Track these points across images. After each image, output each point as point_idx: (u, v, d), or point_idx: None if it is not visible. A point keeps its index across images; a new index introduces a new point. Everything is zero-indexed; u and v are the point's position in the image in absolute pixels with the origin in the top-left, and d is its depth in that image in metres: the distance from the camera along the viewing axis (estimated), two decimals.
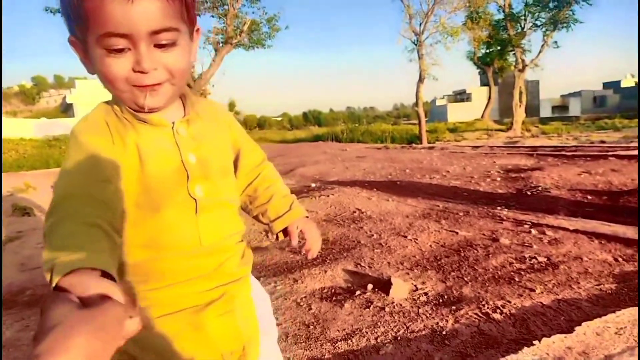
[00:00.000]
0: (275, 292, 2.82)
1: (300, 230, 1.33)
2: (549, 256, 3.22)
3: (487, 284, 2.79)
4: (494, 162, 9.96)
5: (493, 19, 27.06)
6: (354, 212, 4.92)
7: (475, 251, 3.46)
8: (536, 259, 3.18)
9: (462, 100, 53.74)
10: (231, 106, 71.13)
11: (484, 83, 39.33)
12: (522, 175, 7.33)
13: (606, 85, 60.34)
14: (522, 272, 2.95)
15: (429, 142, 21.11)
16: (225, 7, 22.44)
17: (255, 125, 73.00)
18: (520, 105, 26.05)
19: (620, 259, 3.10)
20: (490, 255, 3.33)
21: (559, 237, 3.63)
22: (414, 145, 18.59)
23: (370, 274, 3.05)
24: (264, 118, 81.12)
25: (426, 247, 3.64)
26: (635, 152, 10.40)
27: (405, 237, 3.89)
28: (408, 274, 3.04)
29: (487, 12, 27.09)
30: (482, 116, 34.46)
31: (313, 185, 7.41)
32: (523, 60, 25.92)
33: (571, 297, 2.54)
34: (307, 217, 1.37)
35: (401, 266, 3.20)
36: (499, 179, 7.25)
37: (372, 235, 4.01)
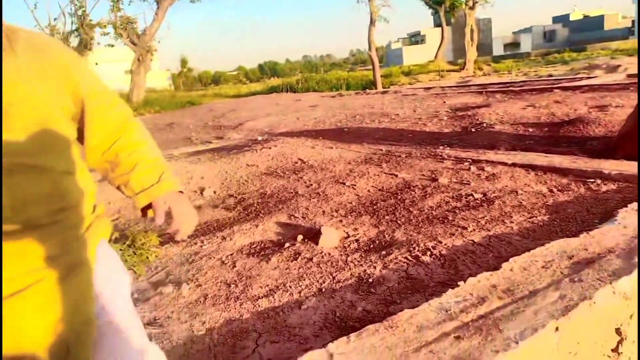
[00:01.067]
0: (201, 251, 2.62)
1: (169, 207, 1.11)
2: (485, 192, 3.17)
3: (420, 226, 2.69)
4: (444, 102, 9.91)
5: None
6: (296, 162, 4.71)
7: (413, 192, 3.36)
8: (472, 196, 3.12)
9: (416, 43, 53.24)
10: (183, 63, 67.66)
11: (438, 24, 38.89)
12: (468, 113, 7.30)
13: (555, 20, 61.18)
14: (457, 211, 2.87)
15: (383, 87, 20.87)
16: None
17: (210, 81, 70.08)
18: (472, 45, 26.05)
19: (554, 190, 3.08)
20: (427, 196, 3.24)
21: (497, 172, 3.58)
22: (367, 90, 18.33)
23: (303, 224, 2.89)
24: (219, 73, 77.92)
25: (363, 192, 3.51)
26: (579, 83, 10.62)
27: (344, 184, 3.74)
28: (341, 221, 2.90)
29: None
30: (435, 57, 34.34)
31: (260, 138, 7.10)
32: None
33: (502, 232, 2.48)
34: (181, 192, 1.15)
35: (335, 214, 3.06)
36: (445, 118, 7.19)
37: (311, 184, 3.84)
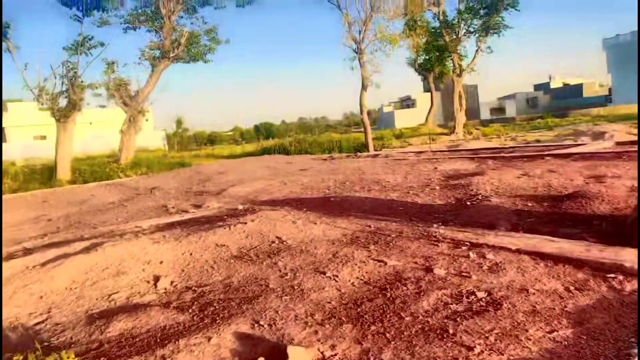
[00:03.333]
0: None
1: None
2: (490, 290, 2.65)
3: (414, 343, 2.14)
4: (436, 167, 9.61)
5: (430, 26, 27.59)
6: (273, 242, 4.20)
7: (404, 288, 2.83)
8: (475, 295, 2.60)
9: (407, 106, 54.75)
10: (179, 123, 68.75)
11: (427, 89, 40.15)
12: (462, 182, 6.93)
13: (537, 87, 63.75)
14: (458, 318, 2.34)
15: (375, 149, 20.86)
16: (162, 20, 21.26)
17: (206, 141, 70.91)
18: (461, 109, 26.58)
19: (572, 288, 2.57)
20: (422, 294, 2.71)
21: (501, 261, 3.09)
22: (359, 153, 18.22)
23: (267, 337, 2.33)
24: (215, 134, 79.06)
25: (347, 286, 2.97)
26: (570, 150, 10.46)
27: (324, 273, 3.21)
28: (317, 332, 2.34)
29: (423, 20, 27.60)
30: (426, 121, 35.01)
31: (240, 207, 6.62)
32: (460, 66, 26.52)
33: (519, 357, 1.94)
34: None
35: (311, 320, 2.51)
36: (438, 187, 6.79)
37: (286, 274, 3.30)
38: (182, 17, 22.11)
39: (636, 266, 2.62)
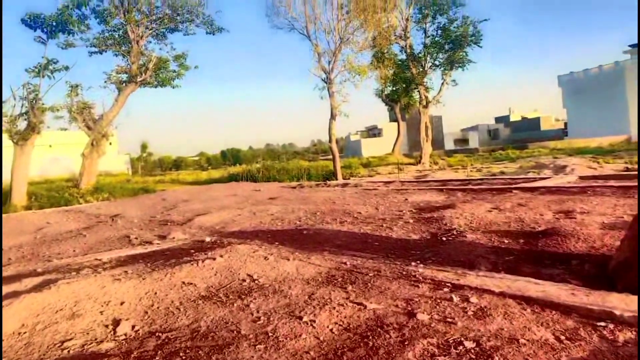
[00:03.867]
0: None
1: None
2: (478, 339, 2.51)
3: None
4: (406, 199, 9.62)
5: (397, 58, 28.47)
6: (244, 280, 3.94)
7: (387, 336, 2.65)
8: (463, 346, 2.45)
9: (374, 136, 55.79)
10: (143, 147, 67.19)
11: (393, 119, 41.11)
12: (434, 216, 6.91)
13: (498, 120, 66.65)
14: None
15: (343, 178, 20.90)
16: (129, 44, 20.86)
17: (171, 165, 69.34)
18: (427, 140, 27.24)
19: (562, 338, 2.46)
20: (407, 343, 2.54)
21: (486, 306, 2.97)
22: (328, 182, 18.16)
23: None
24: (180, 158, 77.53)
25: (325, 333, 2.76)
26: (536, 184, 10.76)
27: (300, 318, 2.99)
28: None
29: (391, 52, 28.47)
30: (392, 150, 35.65)
31: (208, 239, 6.31)
32: (426, 97, 27.38)
33: None
34: None
35: None
36: (411, 220, 6.73)
37: (259, 318, 3.06)
38: (150, 42, 21.86)
39: (626, 314, 2.55)
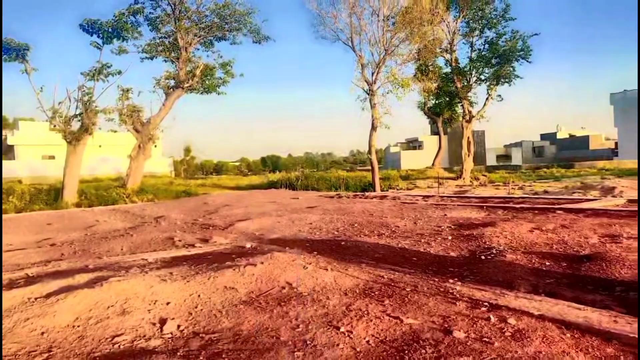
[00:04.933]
0: None
1: None
2: None
3: None
4: (445, 214, 9.52)
5: (442, 72, 28.17)
6: (283, 287, 4.08)
7: (423, 351, 2.70)
8: None
9: (414, 148, 55.16)
10: (187, 151, 69.53)
11: (435, 132, 40.57)
12: (474, 233, 6.82)
13: (543, 137, 64.29)
14: None
15: (382, 190, 20.83)
16: (179, 51, 21.86)
17: (212, 169, 71.34)
18: (468, 155, 26.70)
19: None
20: (442, 359, 2.58)
21: (524, 328, 2.95)
22: (366, 194, 18.16)
23: None
24: (221, 163, 79.66)
25: (362, 344, 2.84)
26: (581, 206, 10.35)
27: (338, 328, 3.08)
28: None
29: (435, 65, 28.22)
30: (432, 164, 35.16)
31: (248, 245, 6.52)
32: (470, 112, 26.88)
33: None
34: None
35: None
36: (450, 237, 6.68)
37: (298, 326, 3.18)
38: (198, 49, 22.75)
39: None
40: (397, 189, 21.42)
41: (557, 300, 3.46)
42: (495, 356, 2.60)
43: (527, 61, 24.46)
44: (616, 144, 51.57)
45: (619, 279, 4.12)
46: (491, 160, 52.16)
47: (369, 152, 22.02)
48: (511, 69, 24.70)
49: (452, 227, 7.80)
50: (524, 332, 2.91)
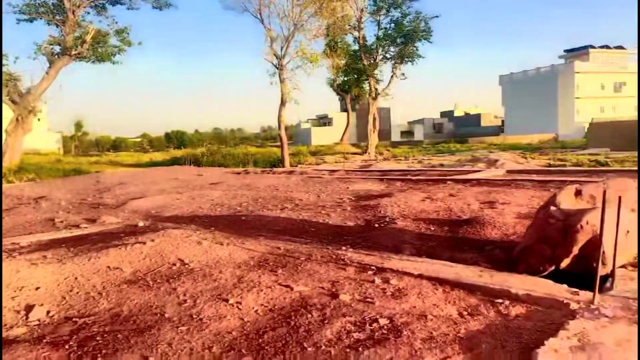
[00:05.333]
0: None
1: None
2: (392, 316, 2.68)
3: None
4: (348, 187, 9.85)
5: (350, 49, 28.71)
6: (174, 264, 3.91)
7: (309, 315, 2.76)
8: (377, 323, 2.61)
9: (324, 124, 56.15)
10: (78, 126, 63.15)
11: (344, 109, 41.57)
12: (371, 203, 7.14)
13: (443, 114, 69.35)
14: (360, 347, 2.32)
15: (291, 165, 20.96)
16: (64, 13, 19.43)
17: (109, 147, 65.73)
18: (374, 131, 27.86)
19: (465, 314, 2.70)
20: (326, 321, 2.66)
21: (404, 287, 3.16)
22: (274, 169, 18.12)
23: None
24: (120, 139, 73.59)
25: (250, 314, 2.83)
26: (468, 177, 11.40)
27: (227, 300, 3.03)
28: None
29: (344, 42, 28.66)
30: (341, 140, 36.13)
31: (141, 224, 6.14)
32: (376, 89, 27.92)
33: None
34: None
35: (208, 354, 2.32)
36: (349, 208, 6.93)
37: (185, 301, 3.07)
38: (88, 13, 20.53)
39: (520, 292, 2.83)
40: (306, 165, 21.71)
41: (435, 261, 3.76)
42: (375, 314, 2.75)
43: (429, 41, 25.92)
44: (503, 121, 57.43)
45: (490, 239, 4.60)
46: (396, 136, 55.08)
47: (279, 127, 21.94)
48: (414, 48, 25.99)
49: (353, 198, 8.09)
50: (403, 290, 3.12)
